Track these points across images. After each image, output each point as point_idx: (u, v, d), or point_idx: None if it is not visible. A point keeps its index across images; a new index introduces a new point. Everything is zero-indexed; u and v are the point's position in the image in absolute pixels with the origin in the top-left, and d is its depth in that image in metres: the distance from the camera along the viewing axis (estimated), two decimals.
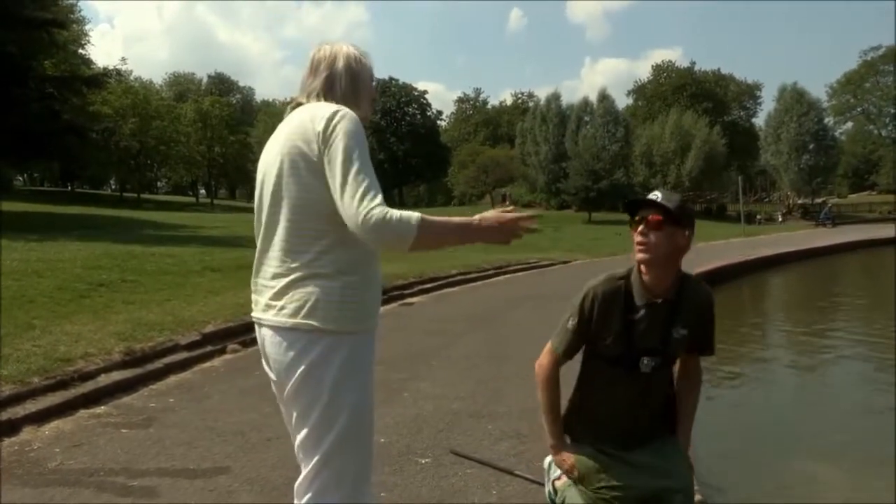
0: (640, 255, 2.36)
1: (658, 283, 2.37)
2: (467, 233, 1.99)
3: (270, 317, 2.03)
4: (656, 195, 2.37)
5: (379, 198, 1.90)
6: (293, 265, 2.01)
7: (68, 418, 4.74)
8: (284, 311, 2.00)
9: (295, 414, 2.04)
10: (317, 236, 1.98)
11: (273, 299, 2.04)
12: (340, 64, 2.15)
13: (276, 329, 2.02)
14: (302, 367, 1.98)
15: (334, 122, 1.97)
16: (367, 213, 1.87)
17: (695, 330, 2.43)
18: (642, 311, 2.38)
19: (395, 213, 1.89)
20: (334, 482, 2.00)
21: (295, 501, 2.08)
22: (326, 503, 2.01)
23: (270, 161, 2.10)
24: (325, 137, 1.96)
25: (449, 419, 4.75)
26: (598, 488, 2.41)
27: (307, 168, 1.98)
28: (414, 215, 1.91)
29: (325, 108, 2.02)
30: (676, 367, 2.56)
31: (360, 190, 1.89)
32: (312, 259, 1.99)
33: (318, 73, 2.15)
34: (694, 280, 2.48)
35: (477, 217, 2.00)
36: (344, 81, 2.14)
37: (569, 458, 2.51)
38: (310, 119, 2.01)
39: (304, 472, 2.05)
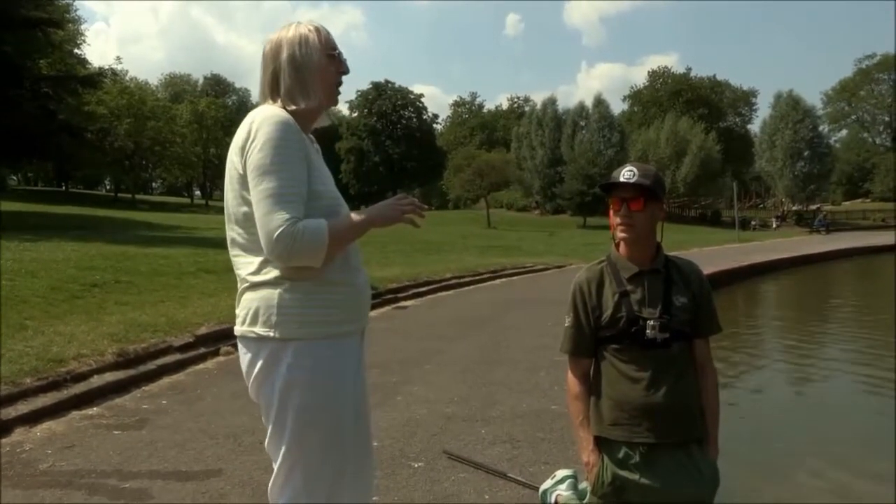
0: (623, 235, 2.38)
1: (641, 254, 2.40)
2: (364, 228, 2.01)
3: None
4: (632, 172, 2.36)
5: (282, 215, 1.87)
6: (242, 275, 2.04)
7: (60, 419, 4.73)
8: (237, 321, 2.05)
9: (262, 416, 2.07)
10: (260, 246, 1.96)
11: (236, 309, 2.09)
12: (283, 56, 2.03)
13: (237, 338, 2.07)
14: (253, 375, 2.02)
15: (251, 136, 1.95)
16: (272, 236, 1.87)
17: (694, 301, 2.40)
18: (632, 282, 2.38)
19: (304, 228, 1.87)
20: (304, 488, 2.00)
21: (269, 502, 2.09)
22: None
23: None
24: (245, 152, 1.95)
25: (442, 423, 4.74)
26: (610, 495, 2.37)
27: (239, 181, 1.98)
28: (321, 226, 1.90)
29: (250, 118, 1.99)
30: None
31: (264, 210, 1.89)
32: (257, 269, 1.99)
33: (266, 70, 2.08)
34: (674, 256, 2.49)
35: (368, 210, 2.04)
36: (287, 75, 2.03)
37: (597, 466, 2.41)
38: (242, 130, 1.99)
39: (273, 474, 2.06)
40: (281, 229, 1.85)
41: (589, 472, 2.44)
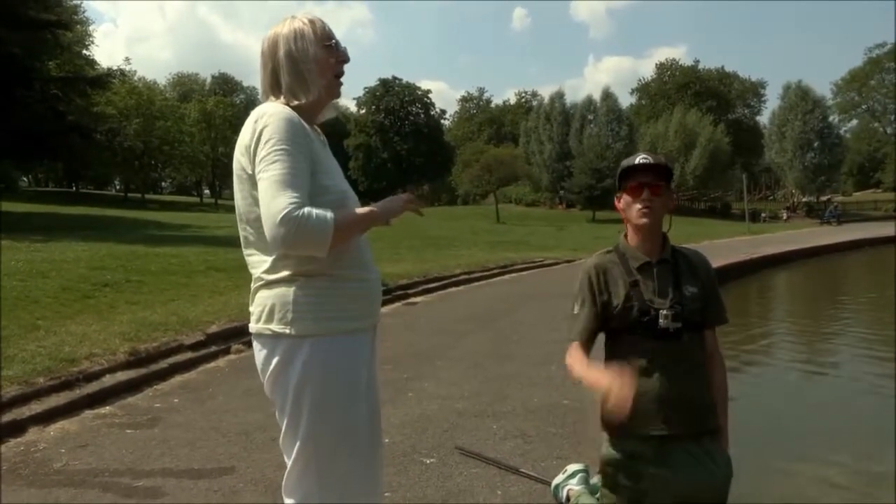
0: (644, 221, 2.34)
1: (651, 244, 2.39)
2: (368, 221, 2.01)
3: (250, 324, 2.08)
4: (647, 158, 2.35)
5: (286, 198, 1.83)
6: (256, 273, 2.03)
7: (73, 419, 4.75)
8: (252, 318, 2.05)
9: (276, 413, 2.07)
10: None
11: (250, 307, 2.08)
12: (281, 52, 2.02)
13: (252, 335, 2.07)
14: (268, 372, 2.01)
15: (257, 133, 1.93)
16: (276, 219, 1.82)
17: (704, 290, 2.38)
18: (642, 273, 2.36)
19: (309, 213, 1.83)
20: (317, 484, 1.99)
21: (284, 500, 2.08)
22: None
23: None
24: (253, 150, 1.93)
25: (454, 419, 4.74)
26: (624, 488, 2.35)
27: (248, 181, 1.97)
28: (327, 214, 1.86)
29: (254, 117, 1.97)
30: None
31: (269, 194, 1.85)
32: (271, 267, 1.98)
33: (266, 68, 2.06)
34: (680, 247, 2.48)
35: (375, 205, 2.05)
36: (286, 71, 2.02)
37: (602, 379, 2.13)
38: (247, 129, 1.97)
39: (287, 470, 2.06)
40: (285, 211, 1.80)
41: (597, 388, 2.14)
